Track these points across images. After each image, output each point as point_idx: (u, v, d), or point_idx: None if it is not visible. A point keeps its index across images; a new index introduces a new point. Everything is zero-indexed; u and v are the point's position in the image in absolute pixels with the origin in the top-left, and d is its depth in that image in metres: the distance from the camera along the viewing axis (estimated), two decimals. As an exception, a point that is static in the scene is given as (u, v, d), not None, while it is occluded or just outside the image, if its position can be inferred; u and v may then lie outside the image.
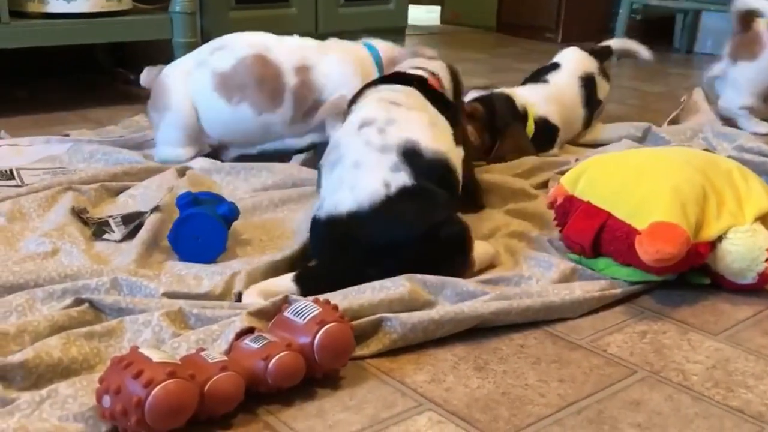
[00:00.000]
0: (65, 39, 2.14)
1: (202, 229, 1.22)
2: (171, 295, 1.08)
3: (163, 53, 2.32)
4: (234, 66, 1.64)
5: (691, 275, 1.23)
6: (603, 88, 2.04)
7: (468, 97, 1.80)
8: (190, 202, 1.25)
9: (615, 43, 2.18)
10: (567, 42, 3.78)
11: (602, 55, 2.11)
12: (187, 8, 2.24)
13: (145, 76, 1.74)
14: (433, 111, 1.33)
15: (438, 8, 4.57)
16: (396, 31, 2.93)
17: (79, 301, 1.04)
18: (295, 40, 1.73)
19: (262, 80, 1.64)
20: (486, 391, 0.96)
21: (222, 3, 2.48)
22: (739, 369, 1.02)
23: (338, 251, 1.17)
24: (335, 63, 1.68)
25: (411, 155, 1.21)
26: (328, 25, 2.71)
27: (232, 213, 1.27)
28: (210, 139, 1.69)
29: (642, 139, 1.96)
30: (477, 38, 3.99)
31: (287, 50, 1.68)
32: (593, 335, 1.10)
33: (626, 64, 3.31)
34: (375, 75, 1.67)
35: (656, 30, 3.83)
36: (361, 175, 1.19)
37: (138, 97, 2.36)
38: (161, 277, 1.14)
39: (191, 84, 1.66)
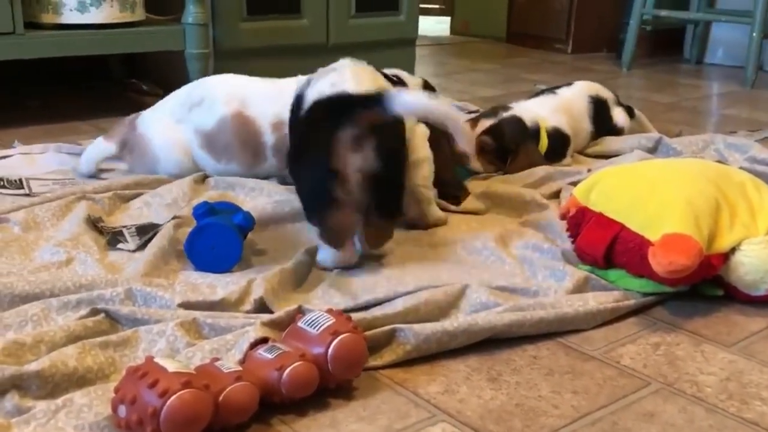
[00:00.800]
0: (79, 50, 2.15)
1: (217, 239, 1.22)
2: (186, 306, 1.09)
3: (175, 64, 2.34)
4: (216, 126, 1.60)
5: (704, 287, 1.23)
6: (620, 115, 2.05)
7: (478, 128, 1.80)
8: (206, 212, 1.26)
9: (638, 112, 2.16)
10: (577, 53, 3.79)
11: (627, 108, 2.13)
12: (200, 19, 2.25)
13: (116, 141, 1.67)
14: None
15: (448, 19, 4.58)
16: (407, 43, 2.95)
17: (94, 311, 1.05)
18: (271, 87, 1.64)
19: (245, 141, 1.60)
20: (499, 402, 0.96)
21: (234, 14, 2.50)
22: (753, 381, 1.02)
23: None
24: None
25: None
26: (340, 37, 2.72)
27: (247, 222, 1.27)
28: None
29: (653, 150, 1.95)
30: (487, 49, 3.99)
31: (263, 104, 1.60)
32: (606, 346, 1.09)
33: (636, 75, 3.31)
34: None
35: (666, 40, 3.83)
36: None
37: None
38: (175, 287, 1.14)
39: (180, 136, 1.63)
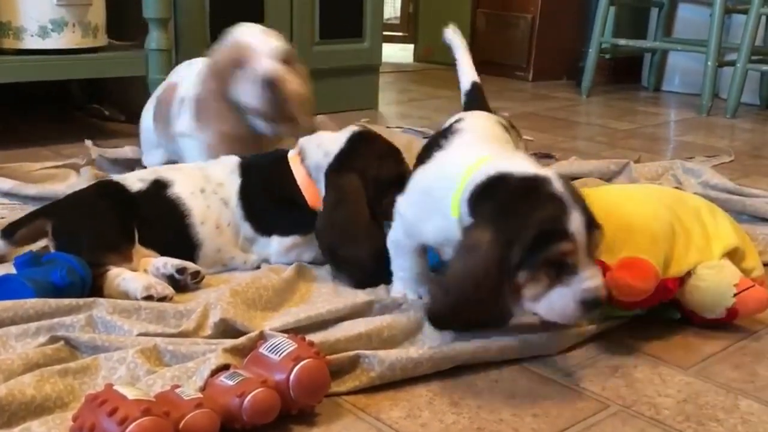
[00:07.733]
0: (40, 75, 2.14)
1: (7, 292, 1.14)
2: (146, 335, 1.08)
3: (138, 90, 2.32)
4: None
5: (662, 310, 1.25)
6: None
7: None
8: (27, 261, 1.20)
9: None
10: (538, 80, 3.85)
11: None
12: (163, 45, 2.25)
13: None
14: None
15: (411, 46, 4.62)
16: (370, 69, 2.97)
17: (54, 339, 1.04)
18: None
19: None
20: (461, 426, 0.96)
21: (197, 41, 2.49)
22: (709, 403, 1.03)
23: None
24: None
25: None
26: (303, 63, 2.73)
27: (62, 281, 1.16)
28: None
29: (617, 174, 2.00)
30: (449, 76, 4.00)
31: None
32: (566, 369, 1.11)
33: (596, 102, 3.37)
34: None
35: (625, 68, 3.90)
36: None
37: (114, 133, 2.36)
38: (141, 312, 1.14)
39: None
